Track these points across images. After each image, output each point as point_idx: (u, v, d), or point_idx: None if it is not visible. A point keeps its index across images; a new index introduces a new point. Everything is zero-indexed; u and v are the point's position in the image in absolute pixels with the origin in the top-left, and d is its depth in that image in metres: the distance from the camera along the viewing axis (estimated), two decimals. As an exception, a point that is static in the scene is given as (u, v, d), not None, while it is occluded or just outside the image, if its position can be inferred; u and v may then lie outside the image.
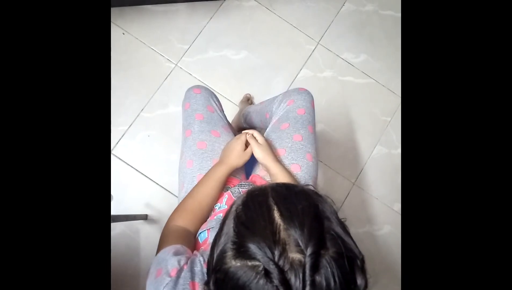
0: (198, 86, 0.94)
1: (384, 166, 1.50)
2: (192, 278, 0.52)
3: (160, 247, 0.62)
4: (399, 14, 1.65)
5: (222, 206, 0.77)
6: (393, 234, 1.44)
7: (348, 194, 1.46)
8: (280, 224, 0.39)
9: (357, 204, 1.46)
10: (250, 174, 0.92)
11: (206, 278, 0.52)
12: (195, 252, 0.60)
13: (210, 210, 0.77)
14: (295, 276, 0.36)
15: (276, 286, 0.36)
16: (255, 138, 0.82)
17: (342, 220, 0.44)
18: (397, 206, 1.47)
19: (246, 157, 0.81)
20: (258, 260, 0.37)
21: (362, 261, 0.40)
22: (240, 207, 0.44)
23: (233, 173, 0.83)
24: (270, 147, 0.83)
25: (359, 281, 0.39)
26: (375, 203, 1.47)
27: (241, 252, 0.39)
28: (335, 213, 0.44)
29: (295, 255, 0.37)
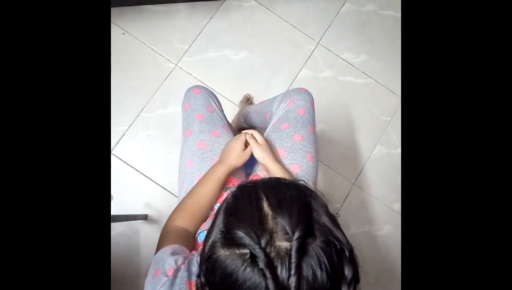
0: (197, 86, 0.94)
1: (384, 166, 1.50)
2: (189, 277, 0.52)
3: (159, 247, 0.62)
4: (399, 14, 1.65)
5: (221, 206, 0.77)
6: (393, 234, 1.44)
7: (348, 194, 1.46)
8: (268, 214, 0.39)
9: (357, 204, 1.46)
10: (250, 174, 0.92)
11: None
12: (193, 252, 0.60)
13: (209, 210, 0.77)
14: (281, 264, 0.36)
15: (262, 269, 0.35)
16: (254, 138, 0.82)
17: (335, 215, 0.44)
18: (397, 206, 1.47)
19: (245, 157, 0.81)
20: (245, 245, 0.37)
21: (351, 251, 0.40)
22: (230, 199, 0.45)
23: (232, 173, 0.83)
24: (270, 147, 0.83)
25: (347, 270, 0.38)
26: (375, 203, 1.47)
27: (228, 239, 0.39)
28: (325, 206, 0.44)
29: (282, 243, 0.37)
